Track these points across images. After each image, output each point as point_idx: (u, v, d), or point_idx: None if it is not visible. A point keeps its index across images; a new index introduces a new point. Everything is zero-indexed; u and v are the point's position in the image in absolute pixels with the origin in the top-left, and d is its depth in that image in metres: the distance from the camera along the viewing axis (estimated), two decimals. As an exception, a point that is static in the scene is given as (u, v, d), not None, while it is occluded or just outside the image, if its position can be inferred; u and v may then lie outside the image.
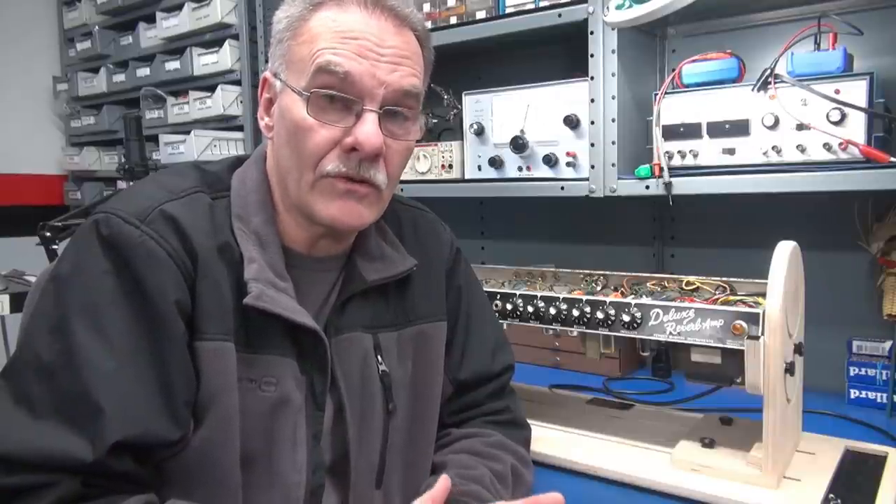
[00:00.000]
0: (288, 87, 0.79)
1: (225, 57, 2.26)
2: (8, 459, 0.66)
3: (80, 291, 0.72)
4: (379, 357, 0.89)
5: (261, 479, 0.79)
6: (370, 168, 0.80)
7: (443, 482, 0.81)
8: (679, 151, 1.32)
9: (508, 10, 1.59)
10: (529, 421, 1.06)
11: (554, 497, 0.79)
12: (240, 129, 2.32)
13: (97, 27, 2.73)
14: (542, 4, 1.53)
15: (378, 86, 0.78)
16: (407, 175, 1.70)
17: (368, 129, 0.77)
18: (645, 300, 1.08)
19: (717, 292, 1.12)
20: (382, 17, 0.79)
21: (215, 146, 2.32)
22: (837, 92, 1.15)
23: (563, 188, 1.48)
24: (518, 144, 1.52)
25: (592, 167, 1.44)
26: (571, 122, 1.45)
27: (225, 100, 2.27)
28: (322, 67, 0.76)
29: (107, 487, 0.69)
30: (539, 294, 1.17)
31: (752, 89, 1.23)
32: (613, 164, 1.41)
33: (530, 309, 1.17)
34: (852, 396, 1.40)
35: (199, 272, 0.76)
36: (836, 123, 1.15)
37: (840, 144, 1.16)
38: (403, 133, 0.83)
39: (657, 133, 1.34)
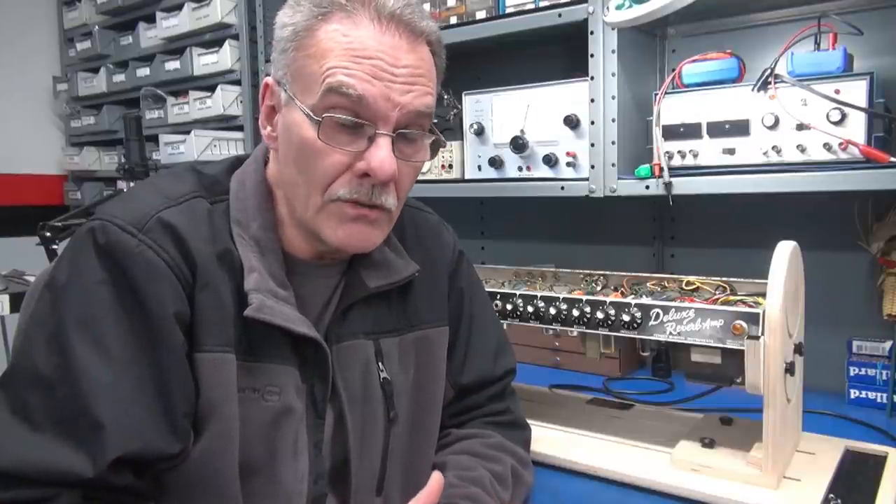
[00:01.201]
0: (296, 103, 0.76)
1: (225, 57, 2.26)
2: (5, 473, 0.65)
3: (77, 302, 0.71)
4: (380, 364, 0.88)
5: (262, 489, 0.78)
6: (382, 193, 0.78)
7: (435, 480, 0.80)
8: (679, 151, 1.32)
9: (508, 10, 1.59)
10: (529, 421, 1.06)
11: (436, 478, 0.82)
12: (240, 129, 2.31)
13: (97, 27, 2.73)
14: (542, 4, 1.53)
15: (392, 108, 0.75)
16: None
17: (383, 156, 0.75)
18: (645, 300, 1.08)
19: (717, 292, 1.12)
20: (396, 33, 0.75)
21: (215, 146, 2.31)
22: (837, 92, 1.15)
23: (563, 188, 1.48)
24: (518, 144, 1.52)
25: (592, 167, 1.44)
26: (571, 122, 1.45)
27: (225, 100, 2.27)
28: (334, 88, 0.73)
29: (106, 501, 0.68)
30: (539, 294, 1.17)
31: (752, 89, 1.23)
32: (613, 164, 1.41)
33: (530, 309, 1.17)
34: (852, 396, 1.40)
35: (198, 281, 0.75)
36: (836, 123, 1.15)
37: (840, 144, 1.16)
38: (414, 153, 0.80)
39: (657, 133, 1.34)
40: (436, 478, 0.81)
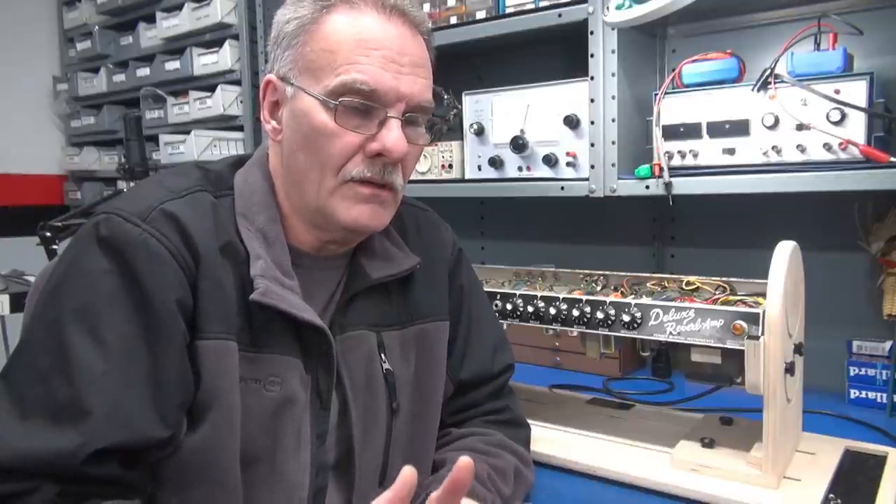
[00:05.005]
0: (306, 93, 0.78)
1: (225, 57, 2.26)
2: (0, 467, 0.65)
3: (78, 293, 0.72)
4: (382, 355, 0.89)
5: (265, 479, 0.79)
6: (393, 172, 0.81)
7: (405, 475, 0.76)
8: (679, 151, 1.32)
9: (508, 10, 1.59)
10: (529, 421, 1.07)
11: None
12: (240, 129, 2.31)
13: (97, 27, 2.73)
14: (542, 4, 1.52)
15: (401, 97, 0.79)
16: (407, 175, 1.70)
17: (395, 136, 0.78)
18: (645, 300, 1.08)
19: (717, 292, 1.12)
20: (399, 22, 0.79)
21: (215, 146, 2.31)
22: (837, 92, 1.15)
23: (563, 188, 1.48)
24: (518, 144, 1.52)
25: (592, 167, 1.44)
26: (571, 122, 1.45)
27: (225, 100, 2.27)
28: (348, 84, 0.76)
29: (85, 494, 0.68)
30: (539, 294, 1.17)
31: (752, 89, 1.23)
32: (613, 164, 1.41)
33: (530, 309, 1.17)
34: (852, 396, 1.40)
35: (201, 271, 0.76)
36: (836, 123, 1.15)
37: (840, 144, 1.16)
38: (417, 137, 0.84)
39: (657, 133, 1.34)
40: (406, 472, 0.78)
